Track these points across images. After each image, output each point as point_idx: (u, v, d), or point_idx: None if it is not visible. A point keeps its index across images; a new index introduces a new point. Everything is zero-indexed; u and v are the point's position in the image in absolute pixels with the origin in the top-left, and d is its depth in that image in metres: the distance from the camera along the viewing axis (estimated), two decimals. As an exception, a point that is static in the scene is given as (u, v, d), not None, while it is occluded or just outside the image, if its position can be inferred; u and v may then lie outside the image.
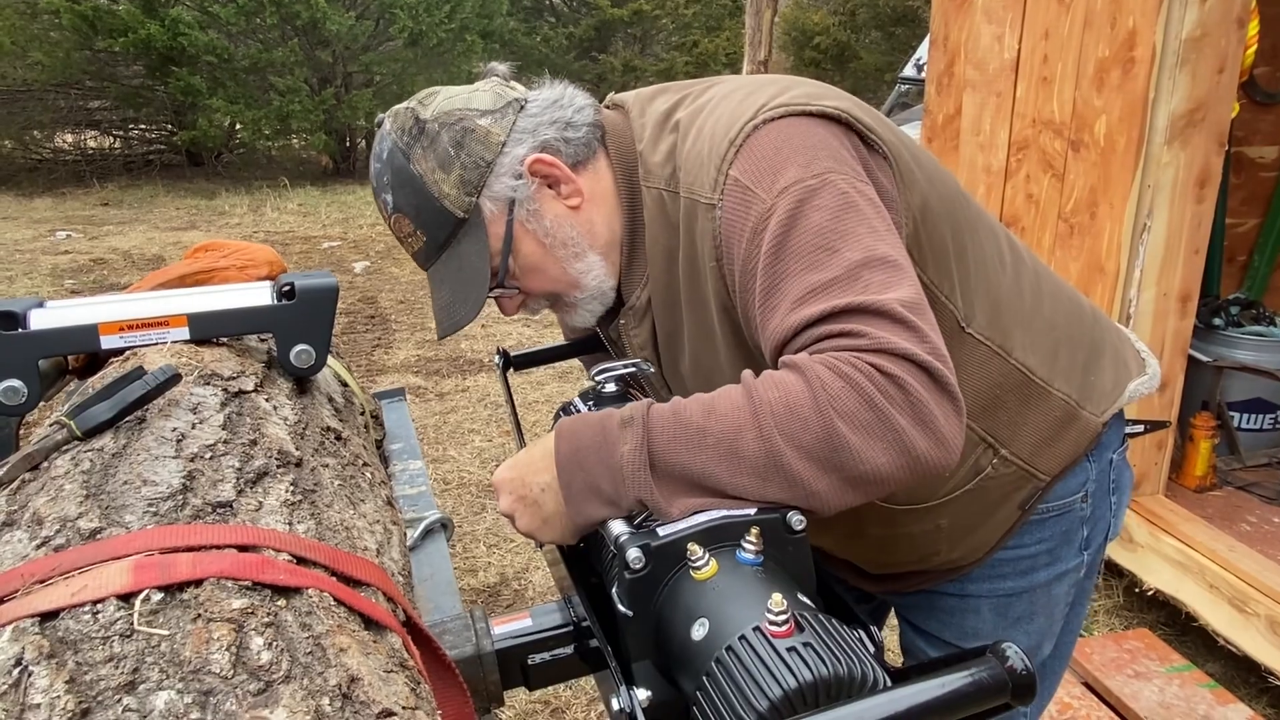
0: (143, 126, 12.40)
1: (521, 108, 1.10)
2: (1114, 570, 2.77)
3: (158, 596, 0.49)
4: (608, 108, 1.20)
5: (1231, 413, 2.98)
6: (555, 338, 1.49)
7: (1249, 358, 2.89)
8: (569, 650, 0.99)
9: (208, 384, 0.85)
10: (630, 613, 0.82)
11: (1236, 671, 2.53)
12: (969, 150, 3.03)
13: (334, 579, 0.57)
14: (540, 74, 1.19)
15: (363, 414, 1.24)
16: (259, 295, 0.98)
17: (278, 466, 0.72)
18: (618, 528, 0.85)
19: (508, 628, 0.99)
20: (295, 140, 12.48)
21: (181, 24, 10.11)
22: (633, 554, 0.80)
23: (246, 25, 10.98)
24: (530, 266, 1.12)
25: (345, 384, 1.25)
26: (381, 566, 0.68)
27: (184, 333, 0.95)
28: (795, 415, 0.81)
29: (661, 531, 0.82)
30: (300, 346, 0.97)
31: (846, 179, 0.93)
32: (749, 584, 0.78)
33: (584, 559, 1.03)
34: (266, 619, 0.48)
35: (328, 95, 11.26)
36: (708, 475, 0.83)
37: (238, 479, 0.68)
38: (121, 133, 12.35)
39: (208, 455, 0.71)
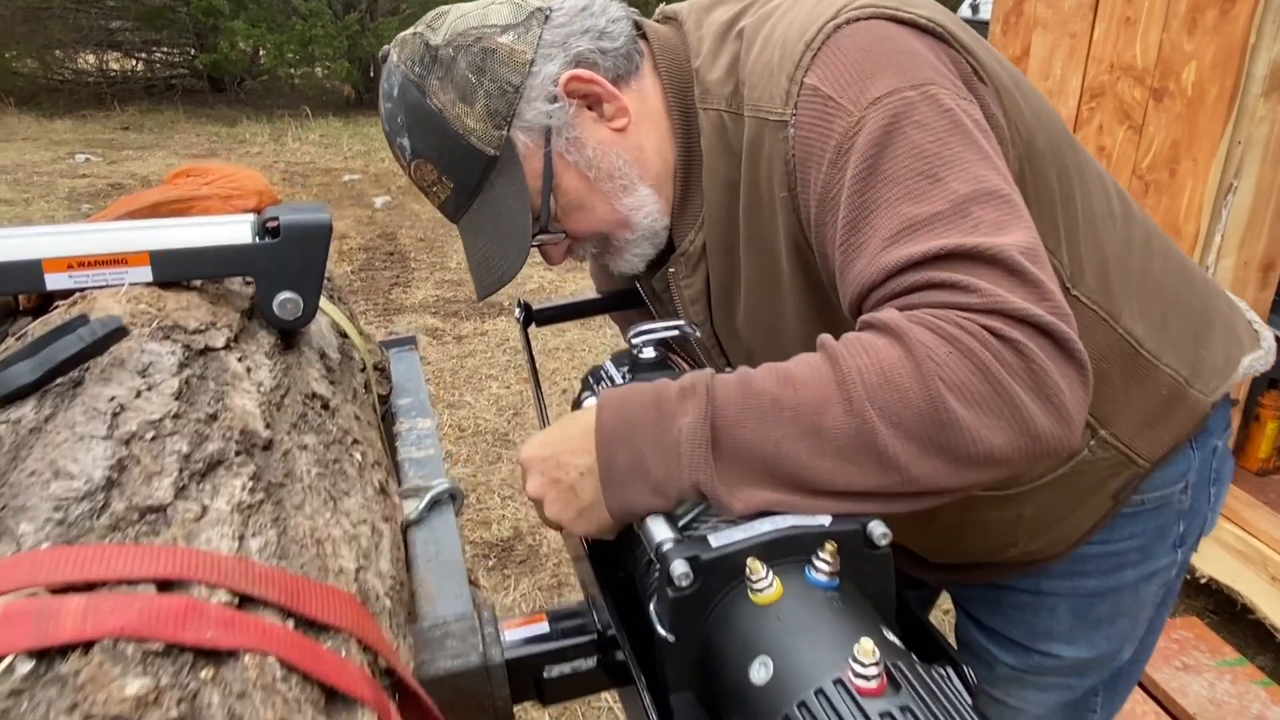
0: (165, 49, 12.14)
1: (546, 18, 0.95)
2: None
3: (26, 668, 0.34)
4: (659, 21, 1.02)
5: (1300, 392, 2.78)
6: (580, 281, 1.33)
7: (1325, 334, 2.67)
8: (592, 663, 0.85)
9: (166, 338, 0.70)
10: (672, 637, 0.67)
11: (1290, 667, 2.38)
12: (1034, 97, 2.79)
13: (289, 626, 0.42)
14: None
15: (363, 370, 1.08)
16: (237, 231, 0.82)
17: (237, 452, 0.56)
18: (659, 531, 0.69)
19: (521, 633, 0.84)
20: (318, 69, 12.18)
21: (203, -58, 9.79)
22: (679, 568, 0.65)
23: (270, -55, 10.65)
24: (574, 204, 0.98)
25: (345, 334, 1.10)
26: (361, 593, 0.53)
27: (145, 273, 0.79)
28: (893, 386, 0.66)
29: (714, 540, 0.67)
30: (285, 295, 0.82)
31: (950, 93, 0.77)
32: (824, 615, 0.63)
33: (609, 551, 0.88)
34: (175, 712, 0.33)
35: (351, 21, 10.92)
36: (782, 457, 0.68)
37: (181, 471, 0.52)
38: (144, 55, 12.10)
39: (148, 435, 0.55)
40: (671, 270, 1.02)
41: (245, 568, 0.43)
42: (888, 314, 0.70)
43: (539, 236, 0.99)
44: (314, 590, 0.45)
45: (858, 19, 0.81)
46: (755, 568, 0.64)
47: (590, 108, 0.94)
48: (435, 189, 0.98)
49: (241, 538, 0.47)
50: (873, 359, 0.68)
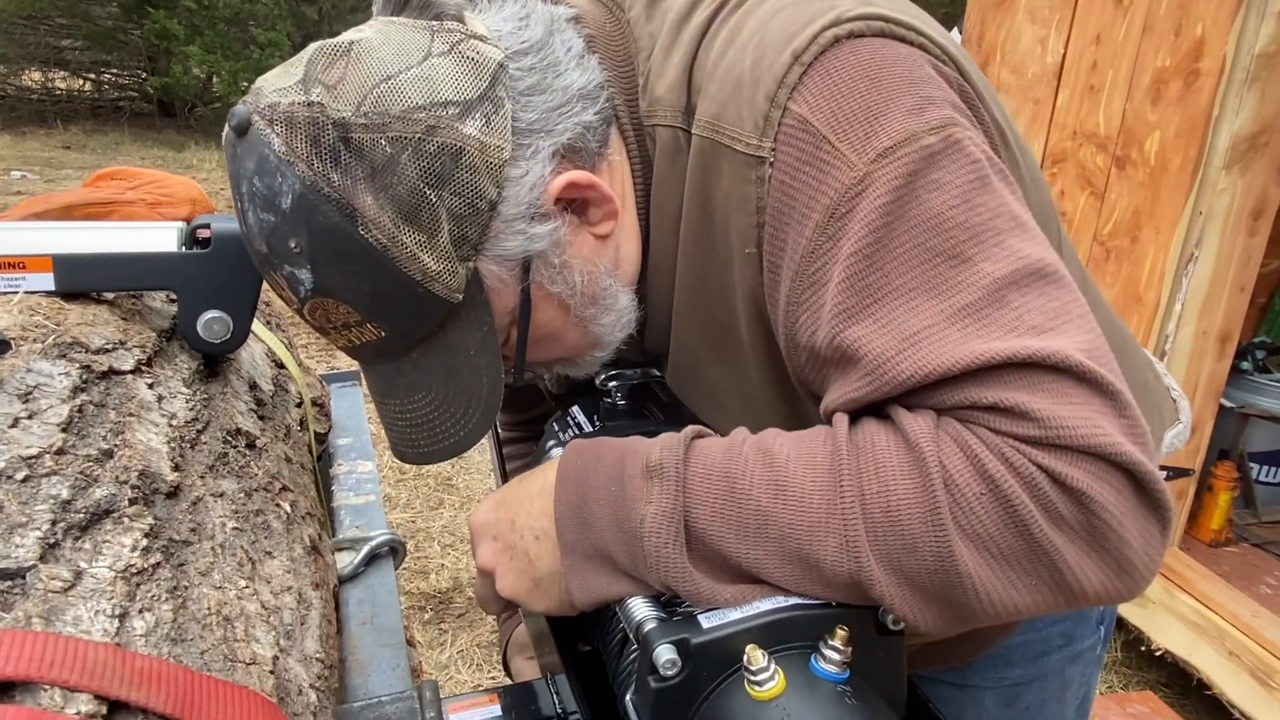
0: (114, 70, 11.86)
1: (502, 71, 0.65)
2: (1117, 624, 2.58)
3: None
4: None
5: (1251, 464, 2.80)
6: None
7: (1276, 406, 2.70)
8: (549, 752, 0.74)
9: (61, 357, 0.58)
10: (652, 735, 0.57)
11: (1243, 743, 2.34)
12: (997, 160, 2.81)
13: (174, 744, 0.31)
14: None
15: (299, 405, 0.97)
16: (160, 238, 0.71)
17: (131, 500, 0.45)
18: (640, 609, 0.60)
19: (468, 717, 0.73)
20: (274, 99, 12.00)
21: (162, -35, 9.64)
22: (664, 654, 0.55)
23: (231, -27, 10.52)
24: (543, 337, 0.76)
25: (281, 365, 0.99)
26: (280, 688, 0.42)
27: (47, 280, 0.68)
28: (899, 529, 0.55)
29: (705, 622, 0.57)
30: (212, 314, 0.71)
31: (972, 133, 0.63)
32: (836, 714, 0.53)
33: (573, 618, 0.78)
34: None
35: (311, 54, 10.83)
36: (764, 574, 0.59)
37: (55, 523, 0.41)
38: (92, 75, 11.81)
39: (19, 475, 0.44)
40: None
41: (120, 661, 0.32)
42: (919, 422, 0.57)
43: None
44: (214, 691, 0.34)
45: (862, 34, 0.63)
46: (755, 657, 0.54)
47: (575, 212, 0.71)
48: (350, 333, 0.68)
49: (124, 615, 0.36)
50: (882, 486, 0.56)
